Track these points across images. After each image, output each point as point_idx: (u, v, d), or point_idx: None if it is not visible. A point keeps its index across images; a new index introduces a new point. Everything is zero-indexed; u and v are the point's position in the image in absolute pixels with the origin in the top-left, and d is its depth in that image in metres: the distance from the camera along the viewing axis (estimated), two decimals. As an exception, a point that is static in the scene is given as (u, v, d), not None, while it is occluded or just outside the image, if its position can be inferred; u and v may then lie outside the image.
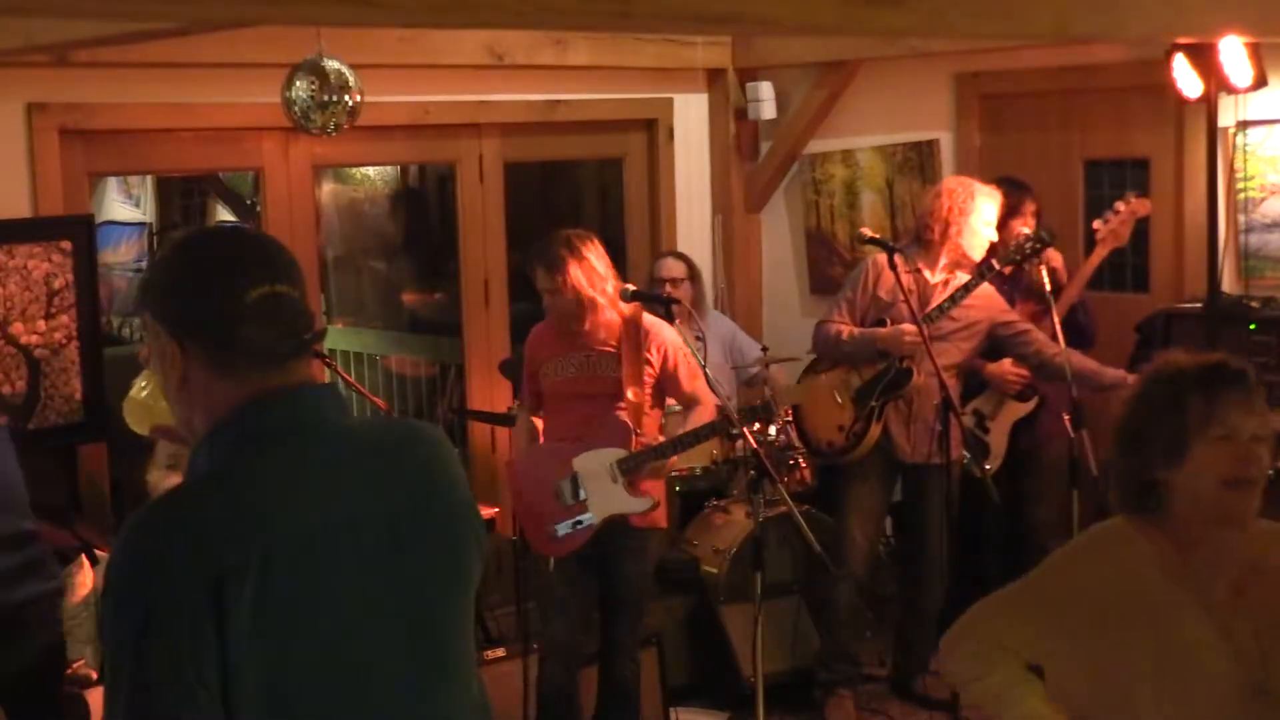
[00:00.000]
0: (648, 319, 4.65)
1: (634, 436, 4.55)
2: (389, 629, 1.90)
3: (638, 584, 4.67)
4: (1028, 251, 5.00)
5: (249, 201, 8.19)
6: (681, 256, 6.11)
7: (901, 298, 4.80)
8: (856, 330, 5.05)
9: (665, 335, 4.65)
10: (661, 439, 4.59)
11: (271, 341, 1.89)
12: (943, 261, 5.04)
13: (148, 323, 1.96)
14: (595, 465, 4.50)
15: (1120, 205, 5.18)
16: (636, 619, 4.72)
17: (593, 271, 4.50)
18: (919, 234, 5.13)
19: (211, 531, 1.79)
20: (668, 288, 5.73)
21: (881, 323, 5.03)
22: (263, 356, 1.89)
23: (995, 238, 5.06)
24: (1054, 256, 5.19)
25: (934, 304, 4.96)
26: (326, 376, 5.22)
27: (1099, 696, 2.45)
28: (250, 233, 2.11)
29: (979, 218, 5.00)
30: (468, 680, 2.04)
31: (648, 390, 4.59)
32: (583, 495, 4.51)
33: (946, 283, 5.03)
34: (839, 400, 5.12)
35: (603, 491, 4.50)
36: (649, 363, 4.59)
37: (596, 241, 4.58)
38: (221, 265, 1.92)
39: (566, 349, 4.64)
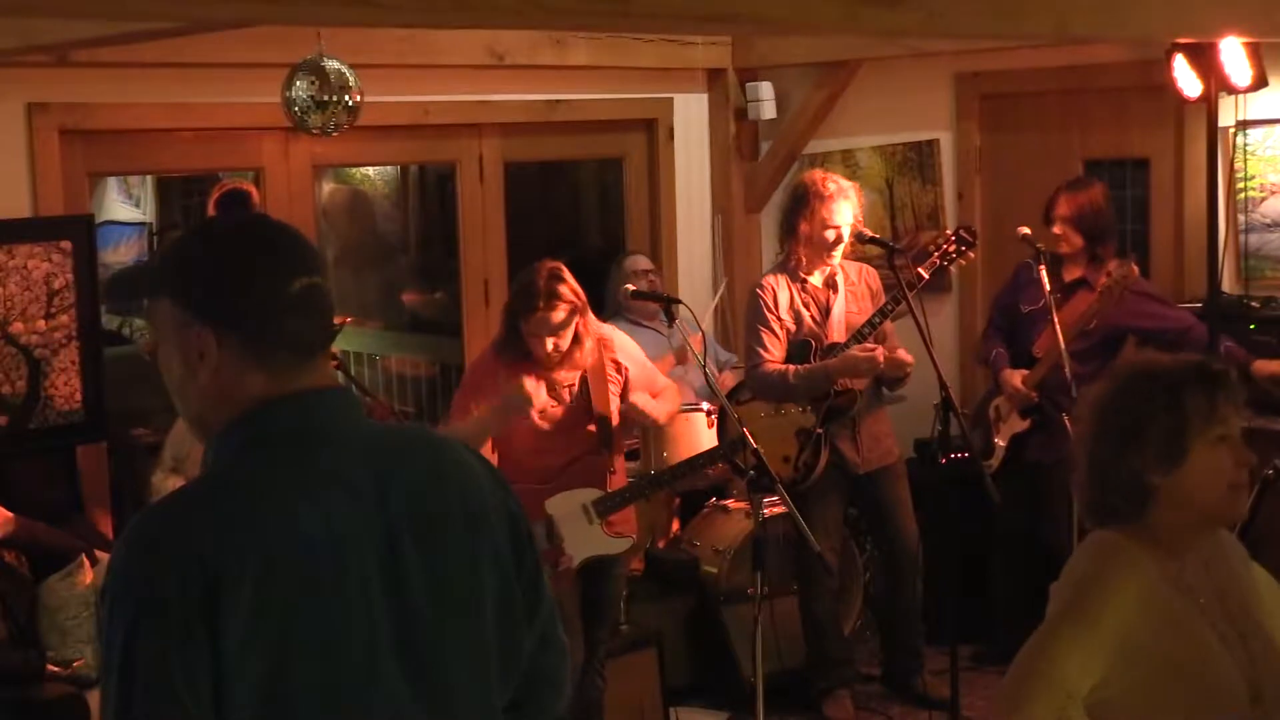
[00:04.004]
0: (604, 328, 4.60)
1: (608, 474, 4.54)
2: (384, 645, 1.83)
3: (619, 585, 4.68)
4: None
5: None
6: (642, 251, 6.15)
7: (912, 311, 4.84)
8: (802, 368, 5.00)
9: (627, 344, 4.61)
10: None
11: (312, 333, 1.89)
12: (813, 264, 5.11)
13: (165, 311, 1.87)
14: (569, 508, 4.47)
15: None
16: (613, 629, 4.71)
17: (576, 287, 4.42)
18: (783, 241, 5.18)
19: (208, 536, 1.76)
20: (651, 278, 5.74)
21: (806, 345, 5.02)
22: (302, 348, 1.88)
23: (837, 237, 5.03)
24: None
25: (835, 307, 5.06)
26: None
27: (1129, 711, 2.34)
28: (276, 222, 1.98)
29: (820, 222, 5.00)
30: (476, 708, 1.94)
31: (614, 410, 4.54)
32: (559, 539, 4.46)
33: (828, 280, 5.09)
34: (773, 431, 5.02)
35: (580, 534, 4.47)
36: (614, 376, 4.53)
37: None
38: (262, 254, 1.88)
39: (538, 383, 4.47)
